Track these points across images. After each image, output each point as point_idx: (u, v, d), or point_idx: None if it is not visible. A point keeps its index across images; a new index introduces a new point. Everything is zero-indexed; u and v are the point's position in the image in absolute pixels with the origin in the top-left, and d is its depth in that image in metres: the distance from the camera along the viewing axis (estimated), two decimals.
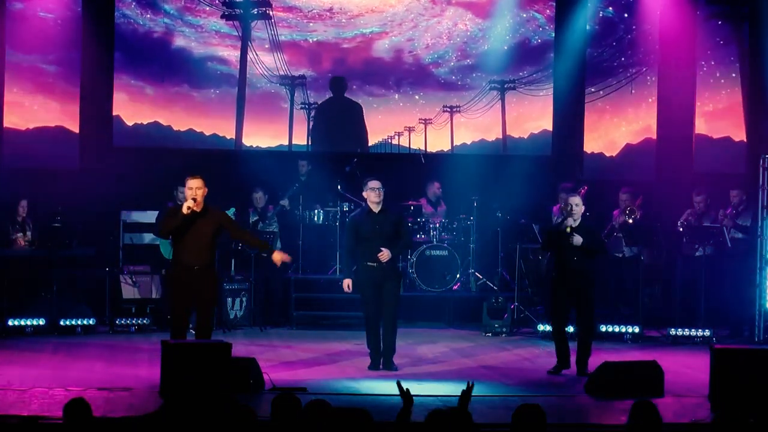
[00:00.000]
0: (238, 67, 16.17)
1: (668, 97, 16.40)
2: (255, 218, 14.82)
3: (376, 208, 11.27)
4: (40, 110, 15.74)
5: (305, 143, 16.41)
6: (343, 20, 16.39)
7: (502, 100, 16.57)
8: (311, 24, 16.33)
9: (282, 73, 16.22)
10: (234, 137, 16.29)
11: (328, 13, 16.36)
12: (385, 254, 11.12)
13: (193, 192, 10.09)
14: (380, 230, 11.20)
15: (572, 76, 16.44)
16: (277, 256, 10.73)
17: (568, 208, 11.29)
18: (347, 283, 11.38)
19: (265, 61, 16.23)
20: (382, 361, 11.24)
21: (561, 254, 11.27)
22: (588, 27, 16.47)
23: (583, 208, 11.41)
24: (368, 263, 11.18)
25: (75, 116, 15.80)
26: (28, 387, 9.71)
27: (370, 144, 16.58)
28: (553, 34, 16.52)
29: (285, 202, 15.04)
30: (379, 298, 11.21)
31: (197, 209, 10.09)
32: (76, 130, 15.81)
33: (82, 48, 15.76)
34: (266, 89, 16.30)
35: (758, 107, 15.94)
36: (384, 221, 11.24)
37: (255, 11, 16.17)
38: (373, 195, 11.24)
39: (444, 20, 16.58)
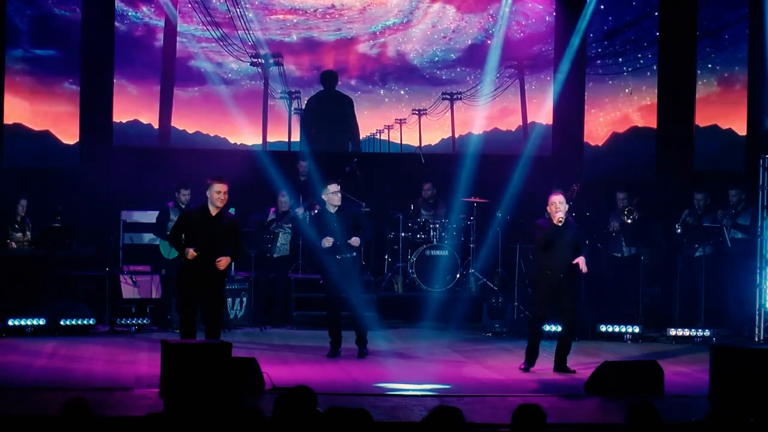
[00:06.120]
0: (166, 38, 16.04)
1: (668, 90, 16.35)
2: (272, 218, 14.75)
3: (333, 209, 11.83)
4: (40, 109, 15.74)
5: (286, 136, 16.38)
6: (330, 18, 16.37)
7: (521, 81, 16.53)
8: (297, 21, 16.33)
9: (251, 51, 16.21)
10: (225, 136, 16.32)
11: (317, 11, 16.35)
12: (354, 241, 11.73)
13: (221, 196, 10.63)
14: (340, 225, 11.74)
15: (573, 72, 16.34)
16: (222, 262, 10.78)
17: (552, 208, 11.21)
18: (329, 240, 11.70)
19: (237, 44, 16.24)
20: (357, 350, 11.93)
21: (554, 252, 11.23)
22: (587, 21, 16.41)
23: (567, 206, 11.41)
24: (335, 256, 11.72)
25: (75, 116, 15.80)
26: (28, 387, 9.72)
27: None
28: (547, 27, 16.50)
29: (300, 211, 14.85)
30: (344, 288, 11.70)
31: (218, 209, 10.69)
32: (77, 129, 15.81)
33: (82, 47, 15.76)
34: (246, 86, 16.30)
35: (759, 104, 15.91)
36: (343, 217, 11.82)
37: None
38: (335, 198, 11.80)
39: (431, 16, 16.54)
